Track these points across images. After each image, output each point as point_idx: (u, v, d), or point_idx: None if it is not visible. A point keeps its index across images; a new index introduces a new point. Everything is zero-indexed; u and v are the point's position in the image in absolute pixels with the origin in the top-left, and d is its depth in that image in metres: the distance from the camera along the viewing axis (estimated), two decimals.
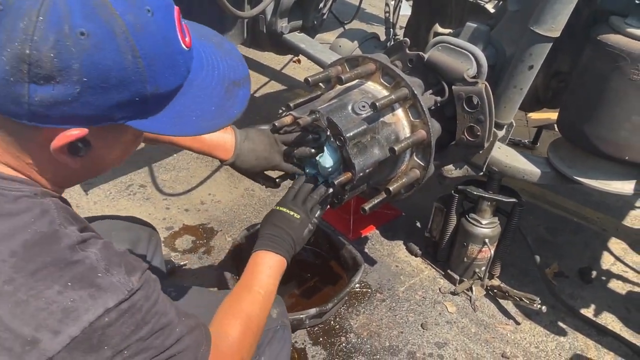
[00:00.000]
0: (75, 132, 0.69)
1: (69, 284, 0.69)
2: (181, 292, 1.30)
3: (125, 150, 0.82)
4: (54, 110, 0.66)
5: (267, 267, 1.15)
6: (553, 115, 2.73)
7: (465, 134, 1.54)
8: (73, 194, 2.46)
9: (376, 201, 1.42)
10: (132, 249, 1.41)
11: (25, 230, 0.70)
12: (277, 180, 1.42)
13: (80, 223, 0.78)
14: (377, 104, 1.27)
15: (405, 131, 1.41)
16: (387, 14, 2.39)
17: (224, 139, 1.30)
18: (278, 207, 1.24)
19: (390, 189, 1.38)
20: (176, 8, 0.74)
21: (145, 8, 0.67)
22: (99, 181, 2.57)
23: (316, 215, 1.26)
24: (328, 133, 1.31)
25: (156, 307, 0.77)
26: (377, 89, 1.44)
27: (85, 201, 2.43)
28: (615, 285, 2.19)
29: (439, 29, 2.37)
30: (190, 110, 0.75)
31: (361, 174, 1.31)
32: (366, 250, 2.29)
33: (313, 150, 1.32)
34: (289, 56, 3.61)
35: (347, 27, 3.38)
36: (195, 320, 0.87)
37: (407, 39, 1.57)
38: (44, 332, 0.67)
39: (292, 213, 1.22)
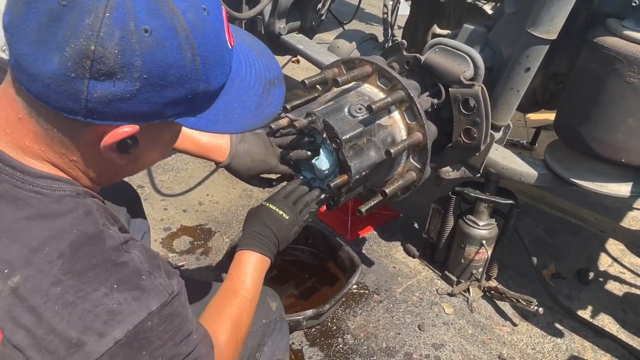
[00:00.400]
0: (128, 130, 0.69)
1: (115, 286, 0.69)
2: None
3: (165, 148, 0.82)
4: (110, 107, 0.66)
5: (252, 269, 1.14)
6: (551, 116, 2.74)
7: (462, 136, 1.54)
8: None
9: (372, 203, 1.42)
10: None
11: (71, 231, 0.70)
12: (273, 182, 1.43)
13: (119, 223, 0.78)
14: (373, 106, 1.27)
15: (401, 133, 1.41)
16: (386, 15, 2.39)
17: (220, 142, 1.30)
18: (267, 204, 1.23)
19: (387, 191, 1.38)
20: (224, 8, 0.75)
21: (201, 6, 0.68)
22: None
23: (305, 218, 1.26)
24: (324, 135, 1.31)
25: (187, 313, 0.79)
26: (373, 91, 1.44)
27: None
28: (612, 286, 2.19)
29: (437, 29, 2.37)
30: (232, 109, 0.77)
31: (357, 177, 1.31)
32: (364, 251, 2.29)
33: (309, 153, 1.32)
34: (288, 56, 3.61)
35: (346, 27, 3.38)
36: (203, 328, 0.88)
37: (404, 41, 1.57)
38: (90, 334, 0.66)
39: (280, 212, 1.21)
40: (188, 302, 0.82)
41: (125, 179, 1.47)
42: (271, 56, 0.88)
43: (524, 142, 3.02)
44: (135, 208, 1.47)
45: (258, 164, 1.33)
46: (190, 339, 0.79)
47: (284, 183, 1.39)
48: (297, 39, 2.38)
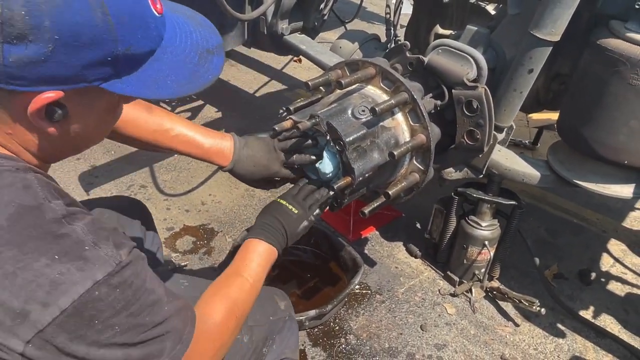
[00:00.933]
0: (51, 95, 0.70)
1: (56, 257, 0.70)
2: (193, 282, 1.35)
3: (102, 120, 0.81)
4: (28, 71, 0.66)
5: (258, 256, 1.15)
6: (554, 115, 2.74)
7: (465, 137, 1.55)
8: (74, 194, 2.46)
9: (376, 205, 1.42)
10: (128, 228, 1.43)
11: (9, 205, 0.70)
12: (276, 184, 1.43)
13: (67, 198, 0.78)
14: (376, 108, 1.28)
15: (404, 135, 1.41)
16: (388, 15, 2.39)
17: (223, 146, 1.31)
18: (279, 199, 1.26)
19: (390, 192, 1.39)
20: None
21: None
22: (100, 182, 2.58)
23: (314, 213, 1.27)
24: (328, 137, 1.31)
25: (146, 284, 0.78)
26: (376, 93, 1.44)
27: None
28: (614, 287, 2.20)
29: (439, 30, 2.37)
30: (164, 75, 0.77)
31: (361, 179, 1.31)
32: (366, 251, 2.30)
33: (313, 157, 1.33)
34: (290, 56, 3.62)
35: (348, 26, 3.38)
36: (183, 302, 0.88)
37: (407, 43, 1.57)
38: (33, 304, 0.67)
39: (290, 207, 1.23)
40: (153, 273, 0.82)
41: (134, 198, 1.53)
42: (211, 28, 0.89)
43: (526, 142, 3.02)
44: (148, 222, 1.52)
45: (261, 168, 1.33)
46: (156, 311, 0.79)
47: (288, 184, 1.40)
48: (299, 39, 2.38)
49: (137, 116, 1.24)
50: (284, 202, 1.25)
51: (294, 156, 1.34)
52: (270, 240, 1.18)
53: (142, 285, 0.77)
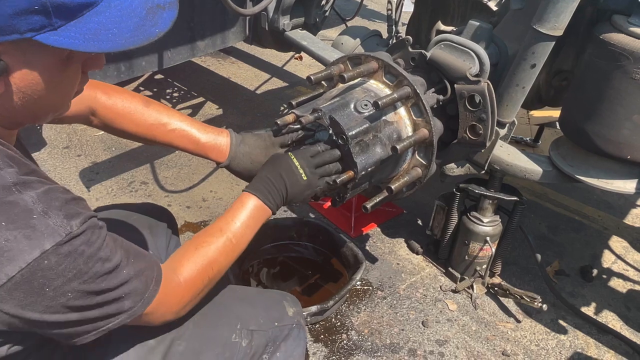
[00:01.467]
0: None
1: (3, 223, 0.70)
2: None
3: (51, 80, 0.78)
4: None
5: (248, 214, 1.13)
6: (555, 113, 2.74)
7: (468, 132, 1.54)
8: (75, 190, 2.47)
9: (378, 200, 1.42)
10: (150, 232, 1.43)
11: None
12: None
13: (25, 167, 0.78)
14: (379, 102, 1.27)
15: (407, 130, 1.41)
16: (390, 12, 2.38)
17: (219, 142, 1.30)
18: (292, 157, 1.20)
19: (392, 187, 1.38)
20: None
21: None
22: (101, 178, 2.58)
23: (321, 185, 1.24)
24: (330, 131, 1.31)
25: (100, 252, 0.79)
26: (379, 87, 1.44)
27: (87, 198, 2.44)
28: (615, 283, 2.19)
29: (441, 26, 2.37)
30: (106, 29, 0.74)
31: (363, 173, 1.31)
32: (367, 247, 2.29)
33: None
34: (291, 53, 3.61)
35: (349, 23, 3.38)
36: (146, 261, 0.90)
37: (410, 37, 1.57)
38: None
39: (301, 171, 1.19)
40: (112, 239, 0.84)
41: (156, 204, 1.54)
42: None
43: (527, 139, 3.02)
44: (172, 227, 1.53)
45: (258, 165, 1.31)
46: (112, 277, 0.81)
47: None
48: (301, 35, 2.37)
49: (133, 109, 1.24)
50: (296, 163, 1.19)
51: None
52: (266, 199, 1.15)
53: (95, 254, 0.78)
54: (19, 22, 0.69)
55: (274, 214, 1.18)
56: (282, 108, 3.41)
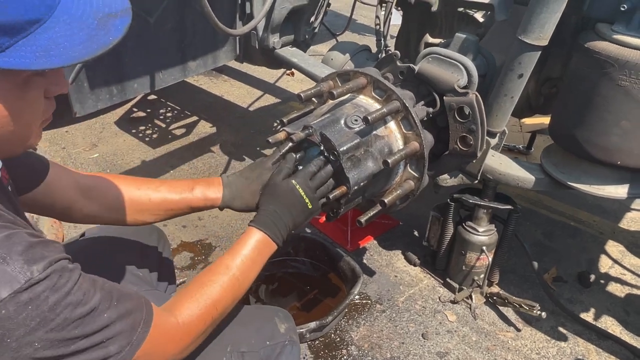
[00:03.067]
0: None
1: None
2: None
3: (11, 106, 0.75)
4: None
5: (256, 251, 1.11)
6: (546, 120, 2.75)
7: (458, 143, 1.55)
8: None
9: (372, 214, 1.42)
10: (140, 254, 1.42)
11: None
12: None
13: None
14: (369, 117, 1.28)
15: (398, 143, 1.42)
16: (378, 26, 2.41)
17: (211, 195, 1.29)
18: (295, 184, 1.19)
19: (386, 201, 1.39)
20: None
21: None
22: None
23: (321, 208, 1.25)
24: (322, 148, 1.31)
25: (69, 297, 0.75)
26: (369, 102, 1.45)
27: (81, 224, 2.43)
28: (613, 288, 2.20)
29: (429, 39, 2.40)
30: (56, 44, 0.72)
31: (356, 187, 1.31)
32: (364, 261, 2.29)
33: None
34: (283, 69, 3.64)
35: (339, 38, 3.41)
36: (133, 303, 0.85)
37: (398, 52, 1.59)
38: None
39: (306, 200, 1.18)
40: (89, 281, 0.79)
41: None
42: None
43: (520, 147, 3.04)
44: (165, 249, 1.52)
45: (257, 195, 1.29)
46: (88, 322, 0.76)
47: None
48: (291, 53, 2.40)
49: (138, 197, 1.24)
50: (301, 191, 1.18)
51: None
52: (272, 234, 1.13)
53: (61, 299, 0.74)
54: None
55: (279, 247, 1.16)
56: (275, 124, 3.42)
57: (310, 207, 1.19)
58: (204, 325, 1.00)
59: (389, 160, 1.30)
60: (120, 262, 1.03)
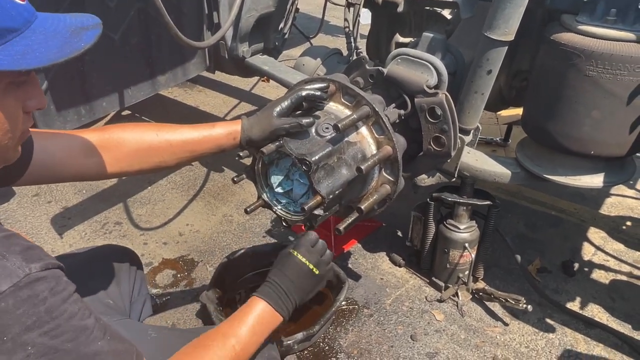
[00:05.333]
0: None
1: None
2: (161, 334, 1.28)
3: None
4: None
5: (258, 321, 1.09)
6: (521, 111, 2.76)
7: (432, 144, 1.55)
8: (47, 238, 2.41)
9: (350, 220, 1.41)
10: (116, 280, 1.39)
11: None
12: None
13: None
14: (339, 125, 1.27)
15: (371, 148, 1.40)
16: (347, 29, 2.40)
17: (232, 129, 1.32)
18: (297, 254, 1.20)
19: (362, 207, 1.38)
20: None
21: None
22: (73, 223, 2.52)
23: (330, 272, 1.28)
24: (293, 157, 1.29)
25: (65, 305, 0.75)
26: (339, 109, 1.43)
27: (61, 244, 2.38)
28: (598, 275, 2.21)
29: (399, 38, 2.39)
30: (32, 50, 0.77)
31: (331, 196, 1.30)
32: (350, 265, 2.28)
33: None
34: (257, 76, 3.62)
35: (313, 41, 3.40)
36: (125, 346, 0.84)
37: (366, 56, 1.58)
38: None
39: (312, 267, 1.20)
40: (80, 302, 0.79)
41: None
42: (92, 17, 0.90)
43: (497, 139, 3.05)
44: (136, 264, 1.52)
45: (269, 128, 1.30)
46: (82, 340, 0.76)
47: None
48: (262, 60, 2.37)
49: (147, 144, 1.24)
50: (305, 261, 1.20)
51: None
52: (277, 305, 1.12)
53: (58, 305, 0.74)
54: None
55: (285, 320, 1.14)
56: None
57: (317, 273, 1.20)
58: None
59: (362, 167, 1.29)
60: (91, 289, 1.00)
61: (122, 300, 1.38)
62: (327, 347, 1.89)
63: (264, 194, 1.45)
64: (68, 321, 0.75)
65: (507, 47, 1.53)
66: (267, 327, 1.11)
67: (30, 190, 2.77)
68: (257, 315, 1.10)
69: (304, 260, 1.20)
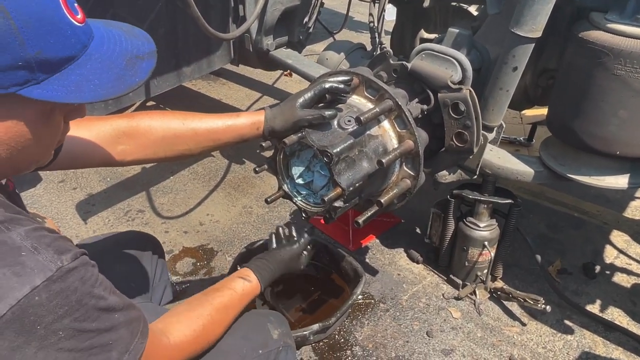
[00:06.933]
0: None
1: None
2: None
3: (35, 132, 0.80)
4: None
5: (240, 289, 1.22)
6: (546, 111, 2.73)
7: (454, 140, 1.54)
8: (72, 224, 2.47)
9: (369, 214, 1.41)
10: (139, 265, 1.44)
11: None
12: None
13: (11, 209, 0.79)
14: (361, 118, 1.27)
15: (392, 142, 1.41)
16: (372, 23, 2.39)
17: (255, 119, 1.34)
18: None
19: (382, 201, 1.38)
20: None
21: None
22: (97, 210, 2.58)
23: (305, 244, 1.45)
24: (315, 148, 1.30)
25: (94, 290, 0.78)
26: (361, 102, 1.44)
27: (85, 230, 2.44)
28: (619, 278, 2.17)
29: (424, 34, 2.38)
30: (87, 80, 0.77)
31: (351, 189, 1.30)
32: (367, 260, 2.28)
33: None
34: (280, 70, 3.63)
35: (336, 36, 3.40)
36: (137, 312, 0.88)
37: (390, 50, 1.58)
38: None
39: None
40: (106, 282, 0.83)
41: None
42: (146, 38, 0.90)
43: (521, 138, 3.02)
44: (158, 252, 1.58)
45: (291, 118, 1.33)
46: (104, 318, 0.79)
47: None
48: (285, 54, 2.39)
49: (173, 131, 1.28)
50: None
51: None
52: (257, 272, 1.28)
53: (88, 291, 0.77)
54: (3, 77, 0.70)
55: (262, 289, 1.30)
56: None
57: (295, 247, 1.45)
58: (196, 346, 1.03)
59: (384, 160, 1.29)
60: (116, 272, 1.04)
61: (144, 283, 1.41)
62: (342, 340, 1.90)
63: (285, 185, 1.46)
64: (97, 303, 0.78)
65: (533, 44, 1.52)
66: (251, 297, 1.26)
67: (56, 176, 2.84)
68: (242, 287, 1.24)
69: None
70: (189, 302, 1.08)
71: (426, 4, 1.97)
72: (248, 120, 1.32)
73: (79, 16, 0.78)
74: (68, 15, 0.76)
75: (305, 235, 1.51)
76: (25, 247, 0.73)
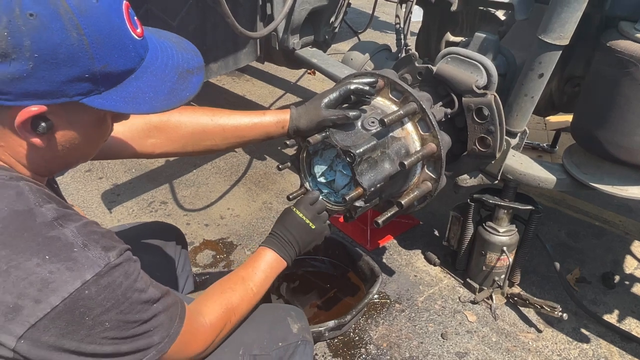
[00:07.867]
0: (35, 109, 0.75)
1: (47, 257, 0.75)
2: None
3: (88, 135, 0.86)
4: (13, 87, 0.72)
5: (268, 267, 1.24)
6: (571, 118, 2.71)
7: (477, 144, 1.55)
8: (97, 212, 2.53)
9: (389, 214, 1.44)
10: (163, 254, 1.49)
11: (2, 210, 0.76)
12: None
13: (60, 203, 0.84)
14: (385, 119, 1.29)
15: (415, 145, 1.42)
16: (398, 25, 2.40)
17: (281, 118, 1.37)
18: (295, 210, 1.32)
19: (403, 202, 1.40)
20: (125, 3, 0.82)
21: None
22: (122, 199, 2.64)
23: (327, 230, 1.36)
24: (338, 148, 1.33)
25: (137, 284, 0.84)
26: (386, 104, 1.45)
27: (110, 219, 2.50)
28: (638, 289, 2.15)
29: (450, 37, 2.38)
30: (143, 92, 0.82)
31: (372, 189, 1.33)
32: (384, 260, 2.30)
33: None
34: (304, 69, 3.66)
35: (361, 36, 3.41)
36: (173, 298, 0.94)
37: (416, 53, 1.59)
38: (26, 299, 0.72)
39: (308, 222, 1.30)
40: (144, 274, 0.88)
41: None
42: (195, 52, 0.95)
43: (545, 145, 2.99)
44: (181, 243, 1.61)
45: (316, 118, 1.35)
46: (145, 309, 0.85)
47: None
48: (311, 53, 2.41)
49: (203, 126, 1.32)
50: (301, 215, 1.30)
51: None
52: (281, 252, 1.26)
53: (131, 286, 0.82)
54: (69, 87, 0.75)
55: (289, 265, 1.28)
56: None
57: (313, 227, 1.31)
58: (224, 327, 1.08)
59: (406, 162, 1.31)
60: (142, 260, 1.07)
61: (169, 273, 1.45)
62: (357, 338, 1.92)
63: (307, 183, 1.49)
64: (139, 296, 0.84)
65: (560, 52, 1.52)
66: (275, 272, 1.25)
67: (83, 166, 2.91)
68: (267, 262, 1.24)
69: (301, 215, 1.30)
70: (218, 286, 1.14)
71: (454, 7, 1.97)
72: (274, 119, 1.36)
73: (139, 30, 0.83)
74: (130, 30, 0.80)
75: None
76: (76, 243, 0.78)
